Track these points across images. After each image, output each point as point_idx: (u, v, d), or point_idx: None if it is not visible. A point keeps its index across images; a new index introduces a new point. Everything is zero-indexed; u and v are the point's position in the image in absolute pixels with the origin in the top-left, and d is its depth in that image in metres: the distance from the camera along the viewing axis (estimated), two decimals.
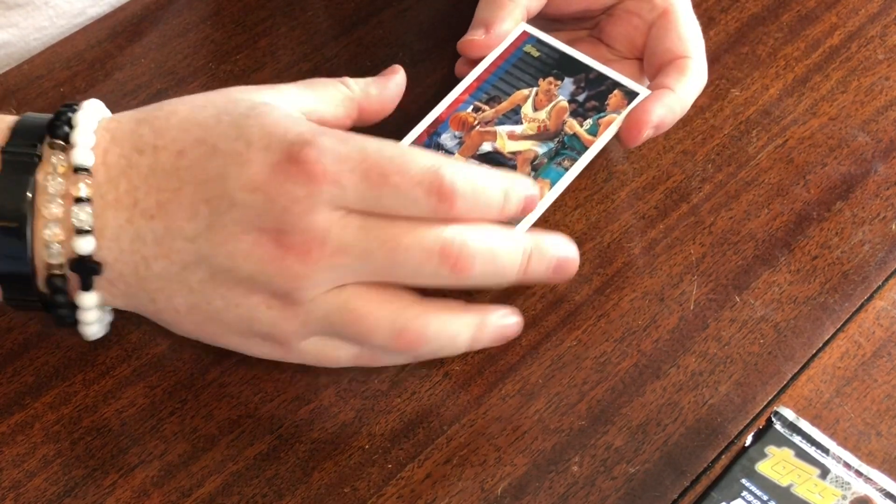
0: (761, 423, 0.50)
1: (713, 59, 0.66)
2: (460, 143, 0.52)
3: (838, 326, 0.55)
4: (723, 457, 0.51)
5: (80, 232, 0.45)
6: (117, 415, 0.51)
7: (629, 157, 0.62)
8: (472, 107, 0.53)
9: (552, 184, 0.50)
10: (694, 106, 0.63)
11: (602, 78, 0.53)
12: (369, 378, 0.53)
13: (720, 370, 0.53)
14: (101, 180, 0.46)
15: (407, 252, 0.45)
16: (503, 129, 0.52)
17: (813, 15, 0.69)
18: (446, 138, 0.52)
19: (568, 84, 0.53)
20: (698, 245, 0.58)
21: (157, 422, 0.51)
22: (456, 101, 0.53)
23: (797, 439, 0.49)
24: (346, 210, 0.44)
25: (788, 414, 0.50)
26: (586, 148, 0.51)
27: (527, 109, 0.52)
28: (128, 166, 0.46)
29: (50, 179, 0.45)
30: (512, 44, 0.58)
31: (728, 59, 0.66)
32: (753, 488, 0.47)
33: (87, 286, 0.47)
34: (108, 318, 0.50)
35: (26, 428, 0.51)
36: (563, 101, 0.52)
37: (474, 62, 0.58)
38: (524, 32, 0.59)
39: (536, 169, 0.50)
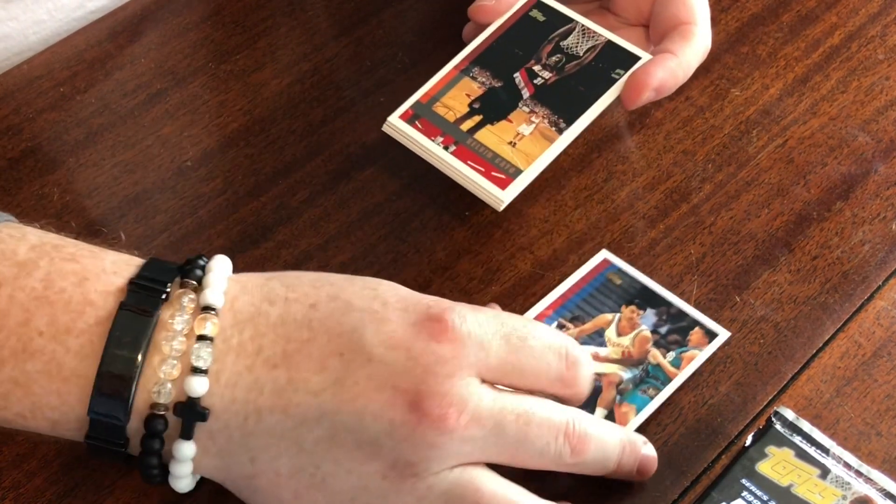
0: (761, 423, 0.50)
1: (713, 59, 0.66)
2: None
3: (838, 326, 0.55)
4: (723, 457, 0.51)
5: (196, 371, 0.41)
6: None
7: (629, 157, 0.62)
8: (556, 323, 0.54)
9: (638, 410, 0.51)
10: (694, 106, 0.63)
11: (682, 315, 0.54)
12: None
13: (720, 370, 0.53)
14: (226, 324, 0.42)
15: (539, 428, 0.43)
16: (588, 350, 0.53)
17: (813, 15, 0.69)
18: None
19: (650, 315, 0.54)
20: (698, 245, 0.58)
21: None
22: (540, 315, 0.54)
23: (797, 439, 0.49)
24: (483, 377, 0.43)
25: (788, 414, 0.50)
26: (670, 379, 0.52)
27: (610, 334, 0.54)
28: (256, 314, 0.43)
29: (177, 316, 0.42)
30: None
31: (728, 59, 0.66)
32: (753, 488, 0.47)
33: (188, 434, 0.42)
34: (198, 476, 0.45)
35: None
36: (645, 330, 0.54)
37: (483, 27, 0.59)
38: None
39: (622, 393, 0.52)
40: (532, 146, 0.53)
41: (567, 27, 0.56)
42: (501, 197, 0.53)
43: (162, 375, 0.41)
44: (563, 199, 0.60)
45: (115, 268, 0.43)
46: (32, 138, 0.62)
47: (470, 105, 0.55)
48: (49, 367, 0.41)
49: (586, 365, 0.46)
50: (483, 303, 0.55)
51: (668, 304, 0.55)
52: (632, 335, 0.54)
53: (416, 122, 0.54)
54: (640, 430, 0.51)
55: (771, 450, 0.49)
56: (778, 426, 0.49)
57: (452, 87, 0.56)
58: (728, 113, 0.64)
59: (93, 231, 0.58)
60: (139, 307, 0.41)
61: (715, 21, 0.68)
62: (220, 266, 0.44)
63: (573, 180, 0.60)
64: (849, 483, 0.48)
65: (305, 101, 0.64)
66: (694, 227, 0.59)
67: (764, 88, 0.65)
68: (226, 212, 0.59)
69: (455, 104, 0.55)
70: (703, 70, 0.65)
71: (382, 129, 0.56)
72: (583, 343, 0.54)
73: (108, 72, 0.65)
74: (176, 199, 0.60)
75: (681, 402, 0.52)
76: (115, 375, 0.41)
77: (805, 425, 0.49)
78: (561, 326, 0.54)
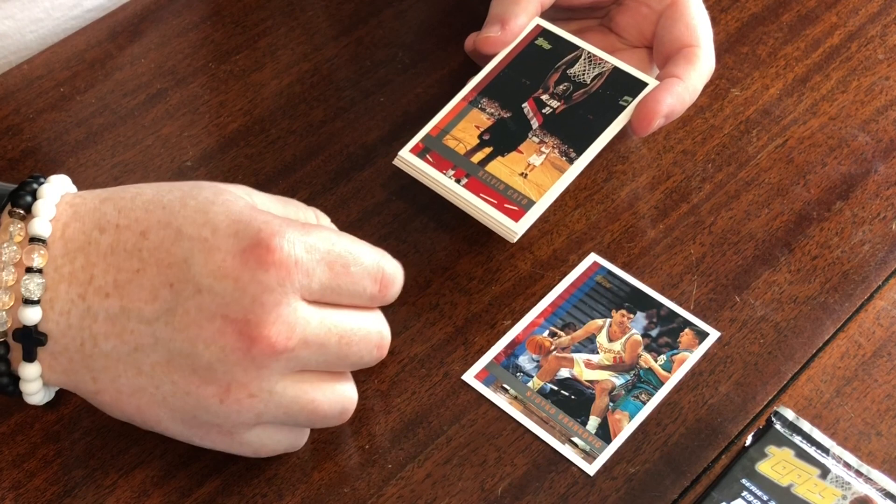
0: (761, 423, 0.50)
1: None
2: (538, 367, 0.53)
3: (838, 326, 0.55)
4: (723, 457, 0.51)
5: (27, 302, 0.44)
6: None
7: (629, 157, 0.62)
8: (547, 331, 0.54)
9: (631, 416, 0.51)
10: (694, 106, 0.63)
11: (673, 316, 0.55)
12: (369, 378, 0.53)
13: (720, 370, 0.53)
14: (56, 253, 0.45)
15: (358, 346, 0.47)
16: (580, 357, 0.54)
17: (813, 15, 0.69)
18: (524, 360, 0.54)
19: (640, 318, 0.55)
20: (698, 245, 0.58)
21: None
22: (532, 324, 0.54)
23: (797, 439, 0.49)
24: (307, 300, 0.45)
25: (788, 414, 0.50)
26: (662, 383, 0.53)
27: (602, 339, 0.54)
28: (87, 242, 0.45)
29: (4, 247, 0.44)
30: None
31: (728, 59, 0.66)
32: (753, 488, 0.47)
33: (29, 357, 0.45)
34: (53, 388, 0.48)
35: (26, 428, 0.51)
36: (636, 334, 0.54)
37: (489, 58, 0.59)
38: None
39: (615, 400, 0.52)
40: (543, 177, 0.53)
41: (573, 55, 0.56)
42: (515, 229, 0.53)
43: None
44: (563, 199, 0.60)
45: None
46: (32, 138, 0.62)
47: (480, 137, 0.55)
48: None
49: (396, 283, 0.49)
50: (483, 303, 0.55)
51: (659, 306, 0.55)
52: (623, 340, 0.54)
53: (427, 156, 0.54)
54: (639, 430, 0.51)
55: (771, 450, 0.49)
56: (778, 426, 0.49)
57: (461, 120, 0.56)
58: (728, 113, 0.64)
59: None
60: None
61: (715, 21, 0.68)
62: (51, 191, 0.46)
63: (573, 180, 0.60)
64: (849, 483, 0.48)
65: (305, 101, 0.64)
66: (694, 227, 0.59)
67: (764, 88, 0.65)
68: None
69: (465, 136, 0.55)
70: None
71: (394, 162, 0.56)
72: (574, 350, 0.54)
73: (109, 72, 0.65)
74: None
75: (681, 402, 0.52)
76: None
77: (805, 425, 0.49)
78: (553, 334, 0.54)
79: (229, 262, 0.43)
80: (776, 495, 0.47)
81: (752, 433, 0.49)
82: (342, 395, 0.47)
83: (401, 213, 0.59)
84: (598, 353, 0.54)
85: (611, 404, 0.52)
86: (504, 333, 0.54)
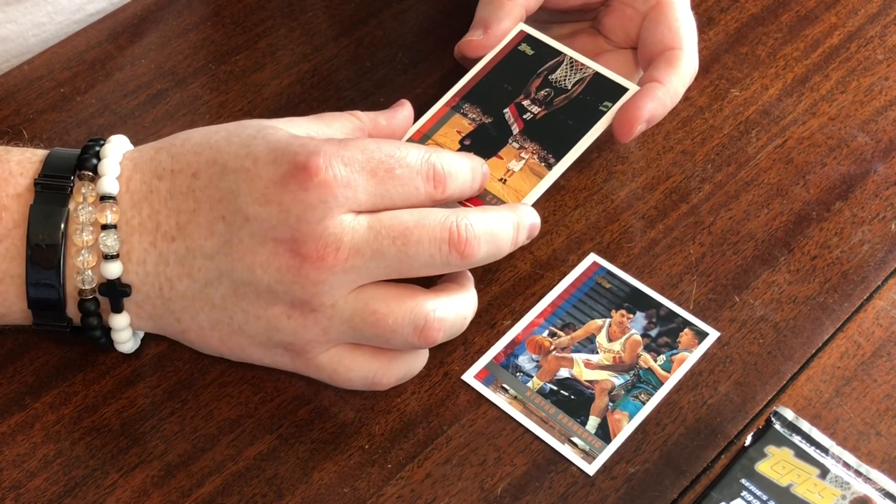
0: (761, 422, 0.50)
1: (713, 59, 0.66)
2: (538, 367, 0.53)
3: (838, 326, 0.55)
4: (722, 457, 0.51)
5: (108, 257, 0.47)
6: (117, 415, 0.51)
7: (629, 157, 0.62)
8: (547, 331, 0.54)
9: (630, 416, 0.52)
10: (693, 106, 0.63)
11: (672, 316, 0.55)
12: None
13: (720, 370, 0.53)
14: (125, 207, 0.48)
15: (419, 245, 0.46)
16: (580, 357, 0.54)
17: (813, 15, 0.69)
18: (524, 360, 0.54)
19: (640, 318, 0.55)
20: (698, 245, 0.58)
21: (157, 422, 0.51)
22: (532, 324, 0.55)
23: (797, 439, 0.49)
24: (356, 211, 0.46)
25: (788, 414, 0.50)
26: (661, 383, 0.53)
27: (601, 339, 0.54)
28: (149, 191, 0.48)
29: (81, 209, 0.47)
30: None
31: (728, 59, 0.66)
32: (753, 488, 0.47)
33: (117, 308, 0.48)
34: (140, 333, 0.52)
35: (26, 428, 0.51)
36: (636, 334, 0.54)
37: (473, 62, 0.59)
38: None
39: (614, 400, 0.52)
40: (522, 182, 0.53)
41: (555, 60, 0.56)
42: None
43: (81, 264, 0.47)
44: (562, 199, 0.60)
45: (21, 168, 0.48)
46: (33, 139, 0.62)
47: (461, 142, 0.55)
48: None
49: (457, 175, 0.49)
50: (483, 303, 0.55)
51: (658, 306, 0.55)
52: (622, 339, 0.54)
53: None
54: (638, 430, 0.51)
55: (770, 450, 0.49)
56: (777, 426, 0.49)
57: (443, 125, 0.55)
58: (727, 113, 0.64)
59: None
60: (48, 205, 0.47)
61: (714, 21, 0.68)
62: (113, 150, 0.49)
63: (573, 180, 0.60)
64: (848, 483, 0.48)
65: (305, 102, 0.64)
66: (693, 227, 0.59)
67: (763, 89, 0.65)
68: None
69: (446, 141, 0.55)
70: (703, 70, 0.65)
71: None
72: (574, 350, 0.54)
73: (109, 72, 0.65)
74: None
75: (680, 402, 0.52)
76: (42, 269, 0.47)
77: (804, 425, 0.49)
78: (552, 334, 0.54)
79: (271, 188, 0.45)
80: (776, 495, 0.47)
81: (752, 433, 0.49)
82: (410, 308, 0.47)
83: None
84: (597, 353, 0.54)
85: (610, 404, 0.52)
86: (504, 333, 0.55)
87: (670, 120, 0.63)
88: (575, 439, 0.51)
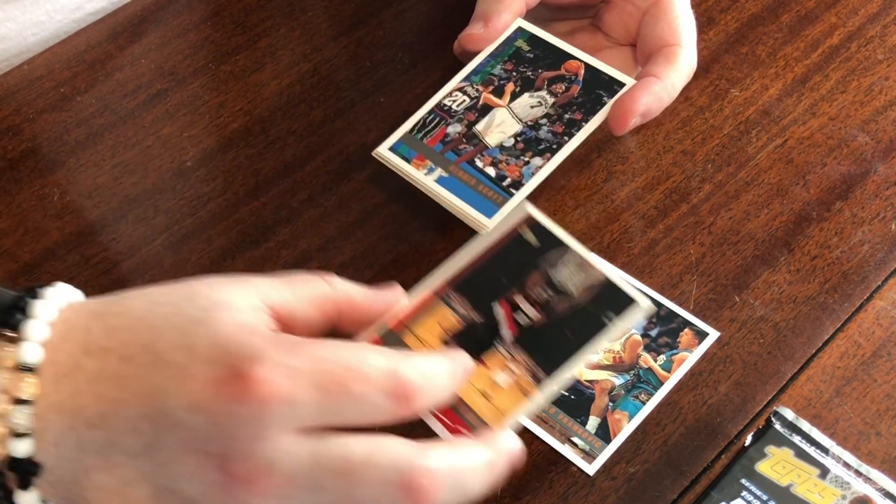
0: (761, 422, 0.50)
1: (713, 59, 0.66)
2: None
3: (838, 326, 0.55)
4: (722, 457, 0.51)
5: (17, 435, 0.41)
6: None
7: (629, 158, 0.62)
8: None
9: (630, 416, 0.51)
10: (693, 106, 0.63)
11: (672, 315, 0.54)
12: None
13: (720, 370, 0.53)
14: (46, 379, 0.42)
15: (365, 486, 0.40)
16: None
17: (813, 15, 0.69)
18: None
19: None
20: (698, 245, 0.58)
21: None
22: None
23: (797, 439, 0.49)
24: (297, 429, 0.40)
25: (788, 414, 0.50)
26: (661, 383, 0.52)
27: None
28: (75, 367, 0.42)
29: None
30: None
31: (728, 59, 0.66)
32: (753, 488, 0.47)
33: (25, 485, 0.42)
34: None
35: None
36: (636, 334, 0.54)
37: (473, 54, 0.59)
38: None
39: (614, 400, 0.52)
40: (508, 402, 0.45)
41: (561, 256, 0.47)
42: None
43: None
44: (562, 199, 0.60)
45: None
46: (33, 139, 0.62)
47: (443, 342, 0.47)
48: None
49: (429, 389, 0.42)
50: None
51: (658, 306, 0.55)
52: (622, 339, 0.54)
53: None
54: (638, 430, 0.51)
55: (770, 450, 0.49)
56: (777, 426, 0.49)
57: (427, 316, 0.47)
58: (727, 113, 0.64)
59: (92, 231, 0.58)
60: None
61: (714, 21, 0.68)
62: (43, 310, 0.43)
63: (573, 180, 0.60)
64: (848, 483, 0.48)
65: (305, 102, 0.64)
66: (693, 227, 0.59)
67: (763, 89, 0.65)
68: (226, 212, 0.59)
69: (427, 336, 0.47)
70: (703, 70, 0.65)
71: (374, 153, 0.55)
72: None
73: (109, 72, 0.65)
74: (176, 199, 0.60)
75: (680, 402, 0.52)
76: None
77: (804, 425, 0.49)
78: None
79: (203, 393, 0.40)
80: (776, 495, 0.47)
81: (752, 433, 0.49)
82: None
83: (400, 213, 0.59)
84: (597, 353, 0.54)
85: (610, 404, 0.52)
86: None
87: (670, 120, 0.63)
88: (575, 439, 0.51)
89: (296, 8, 0.69)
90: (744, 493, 0.47)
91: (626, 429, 0.51)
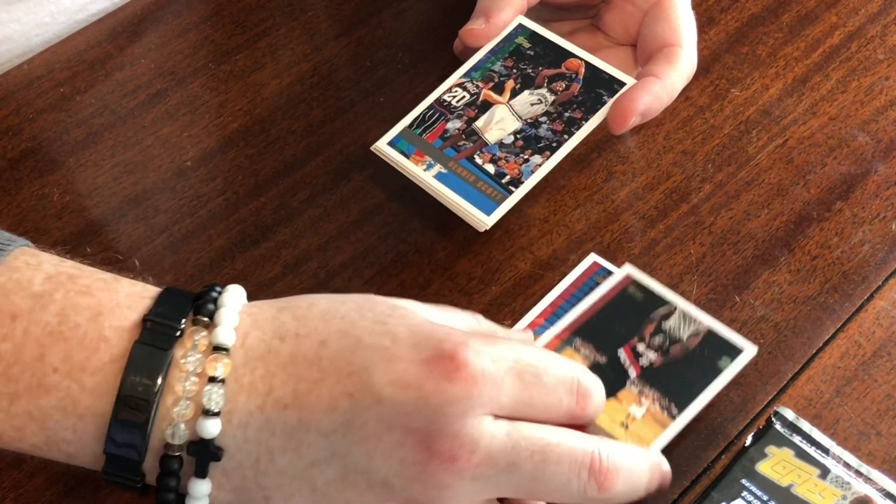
0: (761, 423, 0.50)
1: (713, 59, 0.66)
2: None
3: (838, 326, 0.55)
4: (723, 457, 0.51)
5: (208, 413, 0.41)
6: None
7: (629, 157, 0.62)
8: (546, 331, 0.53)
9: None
10: (694, 106, 0.63)
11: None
12: None
13: None
14: (238, 363, 0.42)
15: (558, 465, 0.42)
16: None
17: (813, 15, 0.69)
18: None
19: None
20: (698, 245, 0.58)
21: None
22: (532, 324, 0.54)
23: (797, 439, 0.49)
24: (496, 414, 0.42)
25: (788, 414, 0.50)
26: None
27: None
28: (267, 351, 0.43)
29: (189, 356, 0.42)
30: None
31: (728, 59, 0.66)
32: (753, 488, 0.47)
33: (201, 473, 0.42)
34: None
35: None
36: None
37: (474, 50, 0.59)
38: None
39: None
40: (646, 430, 0.50)
41: (667, 308, 0.53)
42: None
43: (175, 416, 0.41)
44: (562, 199, 0.60)
45: (130, 301, 0.43)
46: (32, 138, 0.62)
47: None
48: (64, 404, 0.41)
49: (597, 395, 0.45)
50: (483, 303, 0.55)
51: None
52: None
53: None
54: None
55: (771, 450, 0.49)
56: (778, 426, 0.49)
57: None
58: (728, 113, 0.64)
59: (92, 231, 0.58)
60: (153, 345, 0.41)
61: (715, 21, 0.68)
62: (232, 299, 0.44)
63: (573, 180, 0.60)
64: (849, 483, 0.48)
65: (305, 102, 0.64)
66: (694, 227, 0.59)
67: (764, 88, 0.65)
68: (226, 212, 0.59)
69: None
70: (703, 70, 0.65)
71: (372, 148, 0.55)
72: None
73: (109, 72, 0.65)
74: (176, 199, 0.60)
75: None
76: (130, 415, 0.41)
77: (805, 425, 0.49)
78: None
79: (412, 371, 0.41)
80: (776, 495, 0.47)
81: (752, 433, 0.49)
82: None
83: (401, 213, 0.59)
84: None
85: None
86: None
87: (670, 120, 0.63)
88: None
89: (296, 8, 0.69)
90: (744, 494, 0.47)
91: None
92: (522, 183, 0.55)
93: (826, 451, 0.49)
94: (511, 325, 0.55)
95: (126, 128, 0.62)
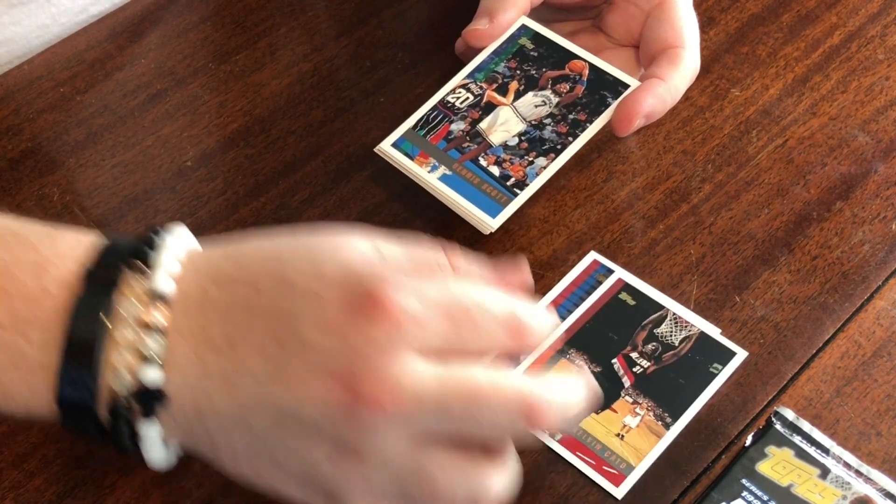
0: (761, 423, 0.50)
1: (713, 59, 0.66)
2: None
3: (838, 326, 0.55)
4: (723, 457, 0.51)
5: (149, 361, 0.42)
6: None
7: (629, 157, 0.62)
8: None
9: None
10: (694, 106, 0.63)
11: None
12: None
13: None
14: (176, 310, 0.43)
15: (488, 409, 0.41)
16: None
17: (813, 15, 0.69)
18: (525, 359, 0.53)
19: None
20: (698, 245, 0.58)
21: None
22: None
23: (797, 439, 0.49)
24: (424, 354, 0.41)
25: (788, 414, 0.50)
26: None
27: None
28: (204, 297, 0.43)
29: (128, 304, 0.42)
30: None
31: (728, 59, 0.66)
32: (753, 488, 0.47)
33: (149, 417, 0.43)
34: (175, 449, 0.46)
35: (26, 428, 0.51)
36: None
37: (477, 50, 0.59)
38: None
39: None
40: (641, 441, 0.51)
41: (658, 313, 0.54)
42: (616, 494, 0.51)
43: (118, 364, 0.42)
44: (562, 199, 0.60)
45: (72, 252, 0.44)
46: (33, 139, 0.62)
47: None
48: (14, 359, 0.42)
49: (536, 328, 0.44)
50: None
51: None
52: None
53: None
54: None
55: (771, 450, 0.49)
56: (778, 426, 0.49)
57: (550, 369, 0.53)
58: (728, 113, 0.64)
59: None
60: (94, 296, 0.43)
61: (715, 21, 0.68)
62: (172, 243, 0.44)
63: (573, 180, 0.60)
64: (849, 483, 0.48)
65: (305, 102, 0.64)
66: (694, 227, 0.59)
67: (764, 88, 0.65)
68: (226, 212, 0.59)
69: None
70: (703, 70, 0.65)
71: (375, 150, 0.55)
72: None
73: (109, 72, 0.65)
74: (176, 199, 0.60)
75: None
76: (77, 366, 0.42)
77: (805, 425, 0.49)
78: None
79: (336, 315, 0.41)
80: (776, 495, 0.47)
81: (752, 433, 0.49)
82: (474, 483, 0.42)
83: (401, 213, 0.59)
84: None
85: None
86: None
87: (671, 120, 0.63)
88: None
89: (296, 8, 0.69)
90: (744, 494, 0.47)
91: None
92: (528, 185, 0.55)
93: (826, 451, 0.49)
94: None
95: (126, 128, 0.62)
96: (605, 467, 0.50)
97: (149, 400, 0.43)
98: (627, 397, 0.52)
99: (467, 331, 0.42)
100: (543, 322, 0.44)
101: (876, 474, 0.48)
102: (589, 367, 0.53)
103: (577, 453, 0.50)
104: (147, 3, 0.68)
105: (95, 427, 0.43)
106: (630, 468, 0.50)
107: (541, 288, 0.56)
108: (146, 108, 0.63)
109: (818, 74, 0.66)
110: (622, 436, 0.51)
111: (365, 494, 0.42)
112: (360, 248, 0.44)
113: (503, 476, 0.43)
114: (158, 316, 0.42)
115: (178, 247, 0.45)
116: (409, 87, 0.64)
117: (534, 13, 0.61)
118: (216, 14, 0.68)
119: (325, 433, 0.41)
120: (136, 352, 0.42)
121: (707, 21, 0.68)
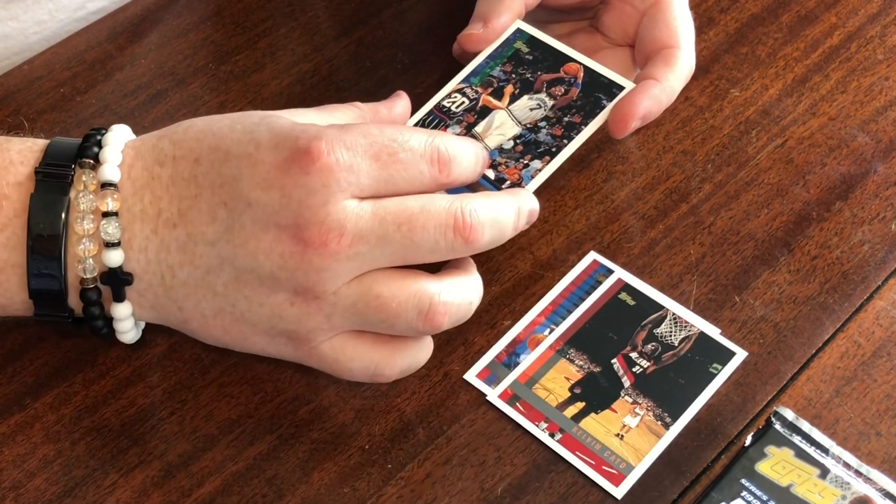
0: (761, 423, 0.50)
1: (713, 59, 0.66)
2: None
3: (838, 326, 0.55)
4: (723, 457, 0.51)
5: (109, 245, 0.47)
6: (117, 415, 0.51)
7: (629, 158, 0.62)
8: (548, 330, 0.54)
9: None
10: (693, 106, 0.63)
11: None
12: None
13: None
14: (126, 194, 0.47)
15: (424, 231, 0.46)
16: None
17: (813, 15, 0.69)
18: (525, 359, 0.54)
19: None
20: (698, 245, 0.58)
21: (157, 422, 0.51)
22: (532, 322, 0.55)
23: (797, 439, 0.49)
24: (359, 197, 0.46)
25: (788, 414, 0.50)
26: None
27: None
28: (150, 178, 0.48)
29: (81, 197, 0.47)
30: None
31: (728, 59, 0.66)
32: (753, 488, 0.47)
33: (119, 298, 0.48)
34: (142, 324, 0.52)
35: (26, 428, 0.51)
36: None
37: (473, 55, 0.59)
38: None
39: None
40: (641, 441, 0.51)
41: (658, 313, 0.55)
42: (615, 494, 0.51)
43: (82, 253, 0.47)
44: (562, 199, 0.60)
45: (21, 157, 0.48)
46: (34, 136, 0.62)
47: (570, 389, 0.53)
48: None
49: (463, 158, 0.49)
50: (483, 303, 0.55)
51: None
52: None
53: (517, 404, 0.53)
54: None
55: (770, 450, 0.49)
56: (777, 426, 0.49)
57: (550, 369, 0.53)
58: (727, 113, 0.64)
59: None
60: (48, 193, 0.47)
61: (714, 21, 0.68)
62: (115, 138, 0.49)
63: (573, 180, 0.61)
64: (848, 483, 0.48)
65: (305, 102, 0.64)
66: (693, 227, 0.59)
67: (763, 89, 0.65)
68: None
69: (555, 387, 0.53)
70: (703, 70, 0.65)
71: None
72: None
73: (109, 72, 0.65)
74: None
75: None
76: (43, 259, 0.47)
77: (805, 425, 0.49)
78: (552, 331, 0.54)
79: (273, 172, 0.45)
80: (776, 495, 0.47)
81: (752, 433, 0.49)
82: (415, 292, 0.47)
83: None
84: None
85: None
86: (504, 333, 0.55)
87: (670, 120, 0.63)
88: None
89: (296, 8, 0.69)
90: (744, 494, 0.47)
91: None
92: (523, 188, 0.55)
93: (826, 451, 0.49)
94: (511, 325, 0.55)
95: None
96: (604, 467, 0.50)
97: (116, 281, 0.47)
98: (627, 397, 0.52)
99: (395, 169, 0.46)
100: (463, 149, 0.49)
101: (875, 474, 0.48)
102: (589, 367, 0.53)
103: (577, 453, 0.50)
104: (147, 3, 0.68)
105: (69, 315, 0.48)
106: (630, 468, 0.50)
107: (541, 288, 0.56)
108: (146, 109, 0.63)
109: (818, 75, 0.66)
110: (622, 436, 0.51)
111: (325, 329, 0.47)
112: (287, 118, 0.48)
113: (449, 286, 0.47)
114: (112, 203, 0.47)
115: (119, 140, 0.49)
116: (409, 87, 0.64)
117: (530, 14, 0.61)
118: (216, 14, 0.68)
119: (282, 281, 0.46)
120: (96, 239, 0.47)
121: (706, 21, 0.68)
